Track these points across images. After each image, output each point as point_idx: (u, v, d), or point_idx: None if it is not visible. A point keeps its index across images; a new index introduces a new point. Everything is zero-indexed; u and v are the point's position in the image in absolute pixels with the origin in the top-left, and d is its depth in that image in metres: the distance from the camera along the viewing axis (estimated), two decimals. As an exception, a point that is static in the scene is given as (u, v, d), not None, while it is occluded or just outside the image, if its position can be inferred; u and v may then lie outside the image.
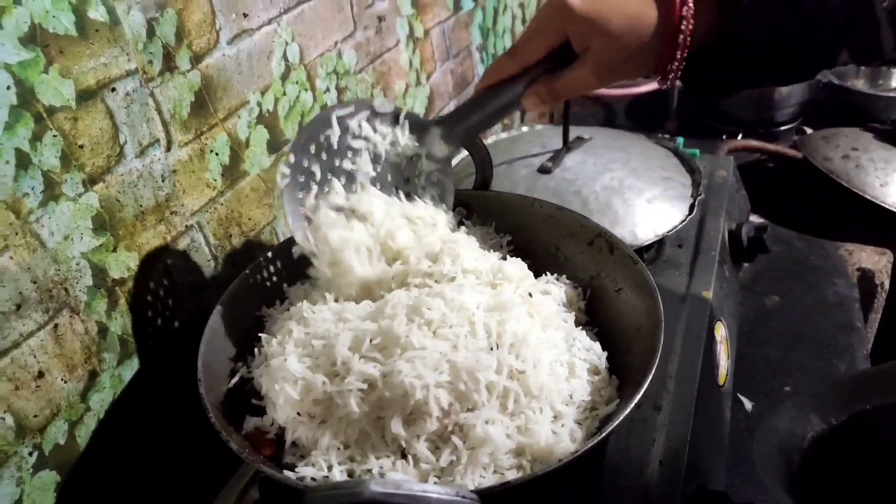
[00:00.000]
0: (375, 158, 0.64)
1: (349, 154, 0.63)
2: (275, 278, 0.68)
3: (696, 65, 0.56)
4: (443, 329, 0.54)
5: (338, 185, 0.63)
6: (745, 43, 0.54)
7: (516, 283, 0.61)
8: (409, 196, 0.66)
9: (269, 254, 0.68)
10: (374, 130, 0.63)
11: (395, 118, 0.64)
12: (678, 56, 0.55)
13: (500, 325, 0.54)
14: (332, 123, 0.61)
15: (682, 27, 0.53)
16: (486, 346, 0.53)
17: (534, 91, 0.60)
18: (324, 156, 0.62)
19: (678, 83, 0.59)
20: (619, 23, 0.54)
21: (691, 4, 0.53)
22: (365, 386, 0.51)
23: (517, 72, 0.60)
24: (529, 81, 0.60)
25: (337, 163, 0.62)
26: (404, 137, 0.64)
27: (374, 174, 0.64)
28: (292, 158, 0.60)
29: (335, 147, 0.62)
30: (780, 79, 0.61)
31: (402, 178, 0.66)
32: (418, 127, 0.64)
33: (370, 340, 0.53)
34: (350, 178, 0.63)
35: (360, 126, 0.62)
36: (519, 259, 0.65)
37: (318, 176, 0.62)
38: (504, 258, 0.65)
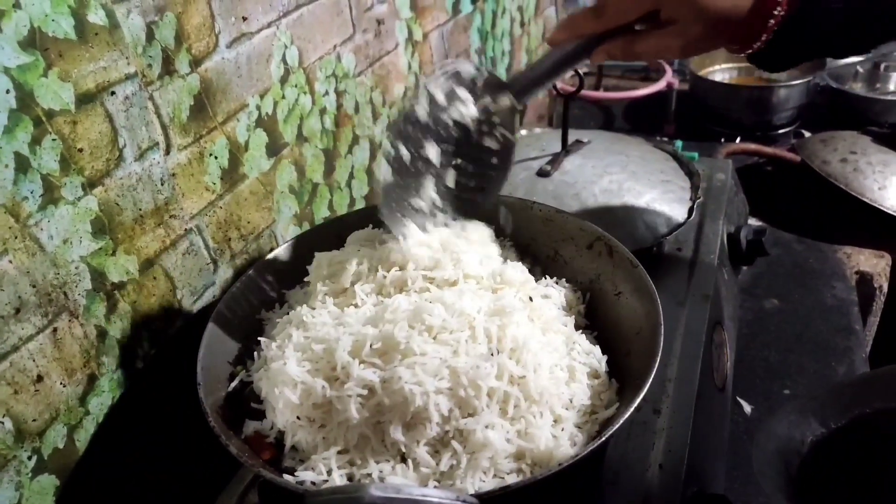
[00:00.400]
0: (446, 130, 0.63)
1: (429, 134, 0.62)
2: (274, 282, 0.68)
3: (776, 37, 0.57)
4: (443, 335, 0.54)
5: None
6: (824, 16, 0.55)
7: (517, 288, 0.61)
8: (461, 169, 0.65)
9: (269, 257, 0.68)
10: (455, 97, 0.62)
11: (473, 80, 0.63)
12: (764, 38, 0.56)
13: (501, 330, 0.54)
14: (423, 98, 0.61)
15: (776, 12, 0.55)
16: (487, 352, 0.53)
17: (608, 48, 0.60)
18: (411, 132, 0.61)
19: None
20: (719, 3, 0.55)
21: None
22: (365, 392, 0.51)
23: (599, 32, 0.60)
24: (602, 38, 0.60)
25: (420, 142, 0.62)
26: (479, 97, 0.63)
27: (439, 163, 0.64)
28: (390, 148, 0.61)
29: (422, 123, 0.61)
30: (841, 52, 0.63)
31: (463, 148, 0.65)
32: (494, 85, 0.63)
33: (370, 345, 0.53)
34: (424, 165, 0.63)
35: (443, 96, 0.62)
36: (520, 263, 0.65)
37: (407, 158, 0.62)
38: (504, 261, 0.65)
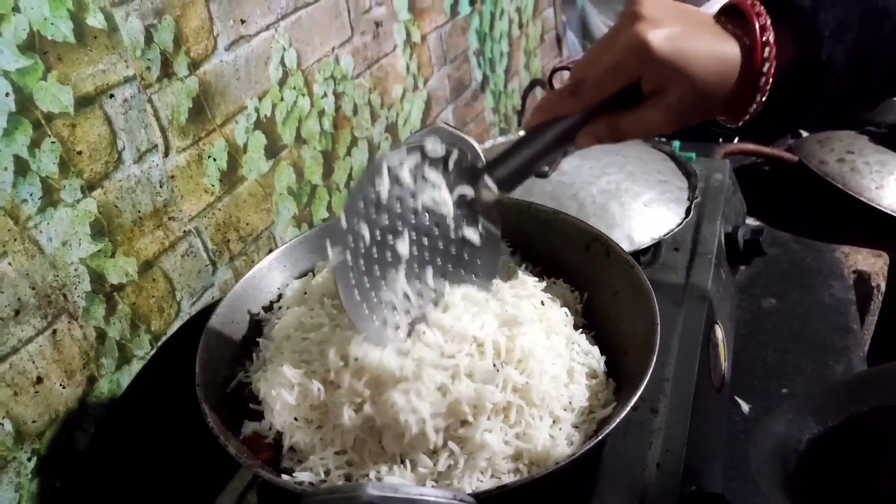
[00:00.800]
0: (417, 217, 0.56)
1: (396, 220, 0.55)
2: (273, 283, 0.68)
3: (767, 106, 0.53)
4: (440, 360, 0.53)
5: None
6: (824, 77, 0.51)
7: (531, 288, 0.61)
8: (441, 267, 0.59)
9: (267, 259, 0.69)
10: (423, 178, 0.56)
11: (444, 163, 0.56)
12: (758, 100, 0.51)
13: (511, 341, 0.54)
14: (383, 173, 0.53)
15: (765, 69, 0.50)
16: (492, 368, 0.53)
17: (592, 130, 0.54)
18: (373, 214, 0.54)
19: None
20: (703, 67, 0.49)
21: (773, 44, 0.49)
22: (358, 400, 0.52)
23: (578, 111, 0.54)
24: (585, 118, 0.54)
25: (382, 226, 0.55)
26: (451, 184, 0.57)
27: (408, 256, 0.56)
28: (345, 224, 0.52)
29: (384, 203, 0.54)
30: (843, 112, 0.57)
31: (440, 242, 0.58)
32: (469, 171, 0.57)
33: (355, 358, 0.52)
34: (393, 257, 0.56)
35: (408, 175, 0.55)
36: (529, 273, 0.65)
37: (367, 239, 0.54)
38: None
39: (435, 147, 0.55)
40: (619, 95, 0.52)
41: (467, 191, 0.57)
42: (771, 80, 0.50)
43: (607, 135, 0.54)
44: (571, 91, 0.53)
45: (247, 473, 0.61)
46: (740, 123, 0.54)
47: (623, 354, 0.59)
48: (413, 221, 0.56)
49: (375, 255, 0.54)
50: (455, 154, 0.56)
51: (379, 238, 0.54)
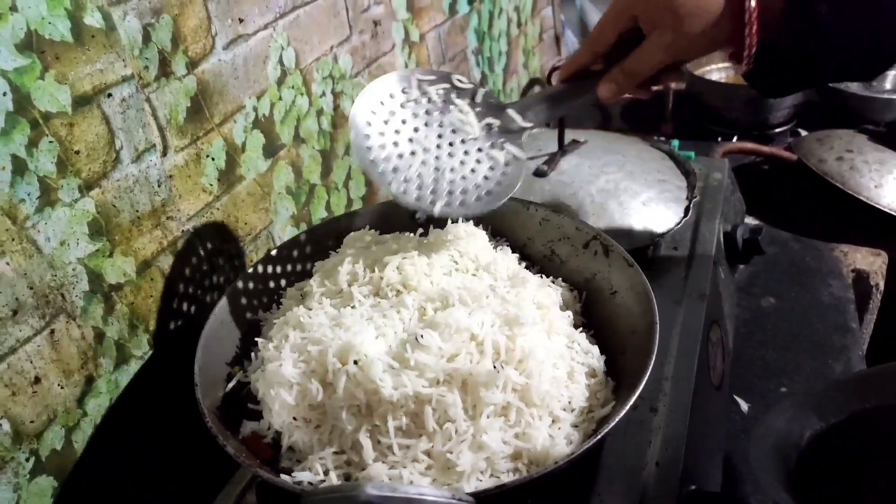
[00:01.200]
0: (443, 129, 0.61)
1: (423, 120, 0.60)
2: (271, 283, 0.68)
3: (768, 55, 0.57)
4: (439, 364, 0.52)
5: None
6: (816, 27, 0.54)
7: (534, 288, 0.61)
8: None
9: (266, 258, 0.68)
10: (452, 102, 0.61)
11: (472, 96, 0.62)
12: (747, 32, 0.56)
13: (511, 341, 0.53)
14: (412, 83, 0.59)
15: (747, 4, 0.54)
16: (492, 368, 0.52)
17: (608, 77, 0.61)
18: (400, 101, 0.59)
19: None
20: (687, 4, 0.56)
21: None
22: (356, 403, 0.51)
23: (591, 59, 0.61)
24: (604, 69, 0.61)
25: (407, 116, 0.59)
26: (479, 114, 0.61)
27: (434, 149, 0.60)
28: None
29: (413, 101, 0.59)
30: (838, 73, 0.61)
31: (463, 154, 0.61)
32: (494, 106, 0.62)
33: (353, 361, 0.52)
34: (415, 144, 0.60)
35: (438, 94, 0.60)
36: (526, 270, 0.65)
37: (384, 120, 0.59)
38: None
39: (462, 80, 0.60)
40: (626, 42, 0.59)
41: (493, 121, 0.61)
42: (757, 17, 0.55)
43: (621, 77, 0.60)
44: (584, 44, 0.62)
45: (245, 473, 0.61)
46: (744, 64, 0.59)
47: (622, 353, 0.59)
48: (440, 129, 0.60)
49: (398, 134, 0.59)
50: (482, 90, 0.61)
51: (403, 121, 0.59)
